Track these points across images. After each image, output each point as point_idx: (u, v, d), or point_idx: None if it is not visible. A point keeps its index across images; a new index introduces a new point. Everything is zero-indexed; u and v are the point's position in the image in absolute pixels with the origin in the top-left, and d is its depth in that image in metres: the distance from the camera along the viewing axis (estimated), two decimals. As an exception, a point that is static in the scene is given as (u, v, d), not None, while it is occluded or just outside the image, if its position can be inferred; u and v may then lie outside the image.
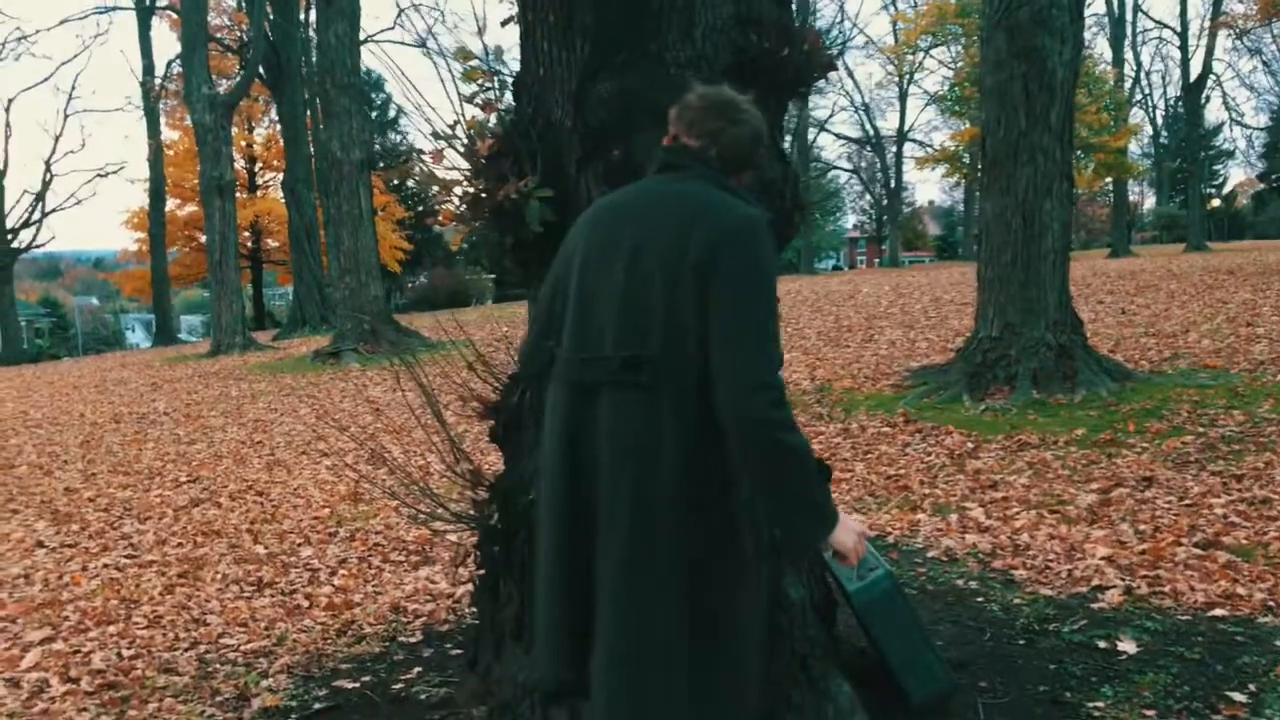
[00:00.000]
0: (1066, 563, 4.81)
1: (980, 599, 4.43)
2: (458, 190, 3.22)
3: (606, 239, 2.31)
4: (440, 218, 3.26)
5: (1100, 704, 3.36)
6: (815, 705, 3.18)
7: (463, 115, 3.20)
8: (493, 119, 3.27)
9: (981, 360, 9.09)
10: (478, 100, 3.31)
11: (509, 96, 3.40)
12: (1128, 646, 3.79)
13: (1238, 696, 3.37)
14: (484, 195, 3.17)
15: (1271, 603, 4.14)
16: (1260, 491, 5.62)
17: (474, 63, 3.36)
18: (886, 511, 5.94)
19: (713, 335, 2.08)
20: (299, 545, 6.21)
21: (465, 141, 3.22)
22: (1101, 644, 3.83)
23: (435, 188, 3.25)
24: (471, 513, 3.37)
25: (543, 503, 2.40)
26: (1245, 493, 5.64)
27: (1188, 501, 5.59)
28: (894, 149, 52.26)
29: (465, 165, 3.27)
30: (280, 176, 37.50)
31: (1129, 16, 42.98)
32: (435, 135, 3.22)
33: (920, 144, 51.75)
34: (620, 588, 2.21)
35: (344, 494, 7.49)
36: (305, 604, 5.05)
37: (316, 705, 3.72)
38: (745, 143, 2.38)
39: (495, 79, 3.41)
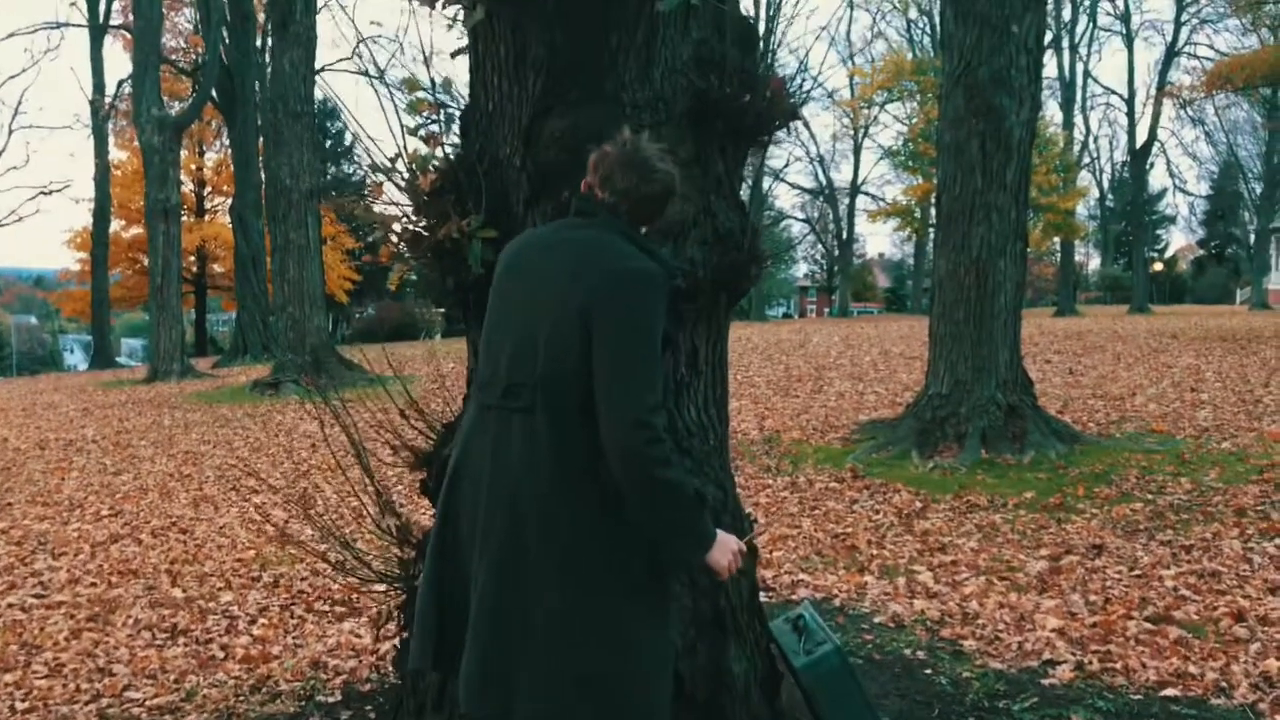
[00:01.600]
0: (1016, 634, 4.67)
1: (928, 671, 4.26)
2: (397, 226, 3.03)
3: (515, 272, 2.48)
4: (380, 255, 3.06)
5: (1053, 792, 3.19)
6: (756, 789, 2.99)
7: (404, 148, 3.02)
8: (437, 153, 3.09)
9: (931, 417, 9.01)
10: (421, 133, 3.12)
11: (457, 131, 3.23)
12: (1080, 728, 3.65)
13: (1193, 787, 3.23)
14: (424, 233, 2.99)
15: (1224, 684, 4.02)
16: (1209, 564, 5.53)
17: (420, 94, 3.19)
18: (833, 572, 5.77)
19: (596, 376, 2.23)
20: (219, 590, 5.90)
21: (406, 176, 3.03)
22: (1054, 725, 3.68)
23: (375, 223, 3.05)
24: (397, 571, 3.15)
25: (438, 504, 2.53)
26: (1194, 564, 5.55)
27: (1137, 572, 5.48)
28: (847, 201, 52.80)
29: (407, 201, 3.08)
30: (229, 202, 36.95)
31: (1079, 82, 43.93)
32: (374, 168, 3.04)
33: (873, 197, 52.32)
34: (490, 595, 2.30)
35: (271, 535, 7.18)
36: (220, 655, 4.77)
37: (221, 772, 3.45)
38: (656, 199, 2.47)
39: (442, 112, 3.24)
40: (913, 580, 5.52)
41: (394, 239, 3.00)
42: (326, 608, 5.41)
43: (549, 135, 2.85)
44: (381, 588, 3.33)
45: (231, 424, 14.17)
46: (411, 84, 3.17)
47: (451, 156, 3.04)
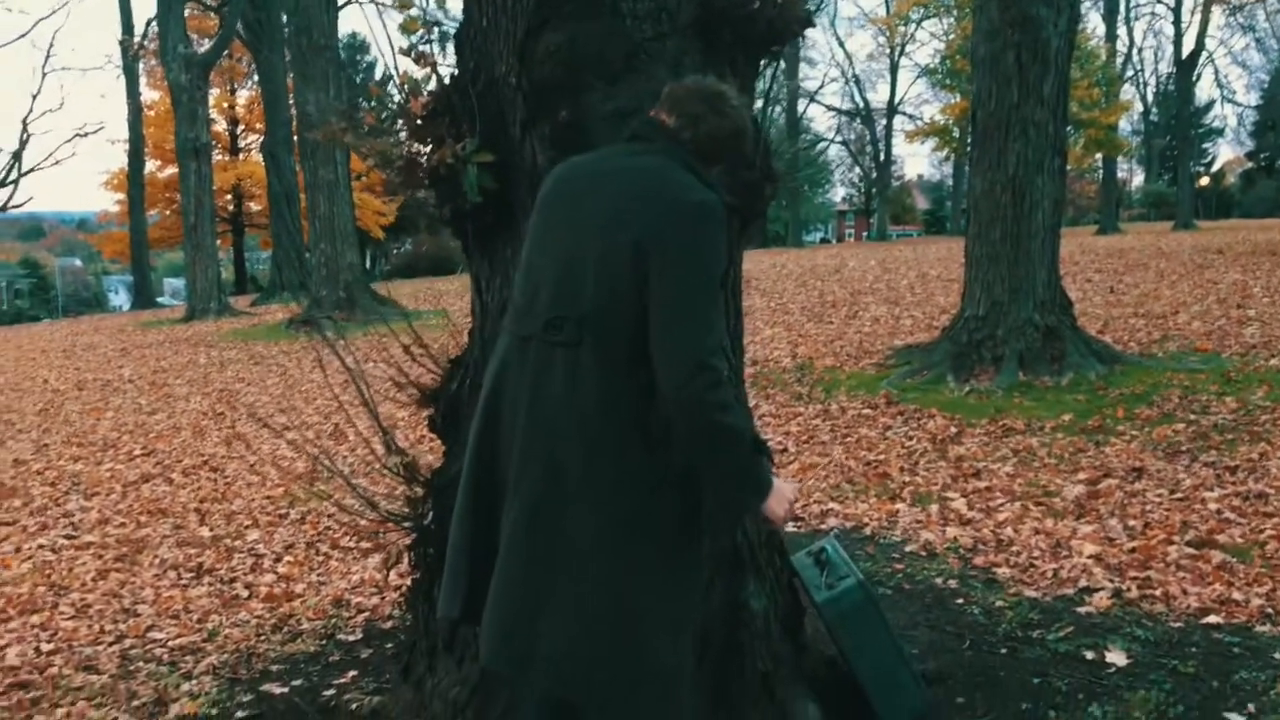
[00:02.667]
0: (1052, 561, 4.54)
1: (960, 601, 4.15)
2: (393, 154, 2.89)
3: (560, 197, 2.32)
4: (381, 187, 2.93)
5: (1088, 725, 3.09)
6: (778, 728, 2.91)
7: (396, 70, 2.87)
8: (430, 75, 2.94)
9: (967, 340, 8.81)
10: (414, 54, 2.97)
11: (452, 52, 3.07)
12: (1117, 658, 3.52)
13: (1235, 718, 3.11)
14: (419, 160, 2.85)
15: (1269, 610, 3.88)
16: (1255, 485, 5.36)
17: (413, 12, 3.02)
18: (864, 500, 5.65)
19: (653, 315, 2.10)
20: (246, 528, 5.90)
21: (399, 99, 2.89)
22: (1089, 654, 3.56)
23: (368, 152, 2.92)
24: (405, 510, 3.07)
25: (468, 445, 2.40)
26: (1239, 486, 5.38)
27: (1179, 495, 5.32)
28: (884, 122, 51.80)
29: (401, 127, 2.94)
30: (262, 139, 36.83)
31: (1123, -9, 42.52)
32: (363, 96, 2.89)
33: (910, 117, 51.30)
34: (520, 541, 2.20)
35: (300, 472, 7.17)
36: (244, 594, 4.75)
37: (239, 714, 3.43)
38: (723, 135, 2.34)
39: (436, 30, 3.08)
40: (946, 507, 5.39)
41: (389, 167, 2.86)
42: (352, 544, 5.39)
43: (545, 50, 2.68)
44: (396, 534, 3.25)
45: (266, 361, 14.22)
46: (404, 2, 3.00)
47: (445, 77, 2.88)
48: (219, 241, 45.22)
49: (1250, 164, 63.80)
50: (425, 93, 2.86)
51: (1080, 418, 7.05)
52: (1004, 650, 3.64)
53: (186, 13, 30.12)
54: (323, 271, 18.15)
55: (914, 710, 3.06)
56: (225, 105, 43.32)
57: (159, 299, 43.68)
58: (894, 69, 50.32)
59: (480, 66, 2.88)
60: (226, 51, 31.47)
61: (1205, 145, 64.29)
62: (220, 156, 43.59)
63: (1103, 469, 5.86)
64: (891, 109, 50.88)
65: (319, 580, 4.86)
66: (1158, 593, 4.10)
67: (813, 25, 3.08)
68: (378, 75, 49.83)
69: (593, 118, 2.68)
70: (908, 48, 49.48)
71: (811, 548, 3.35)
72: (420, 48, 2.86)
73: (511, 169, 2.81)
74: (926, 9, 42.10)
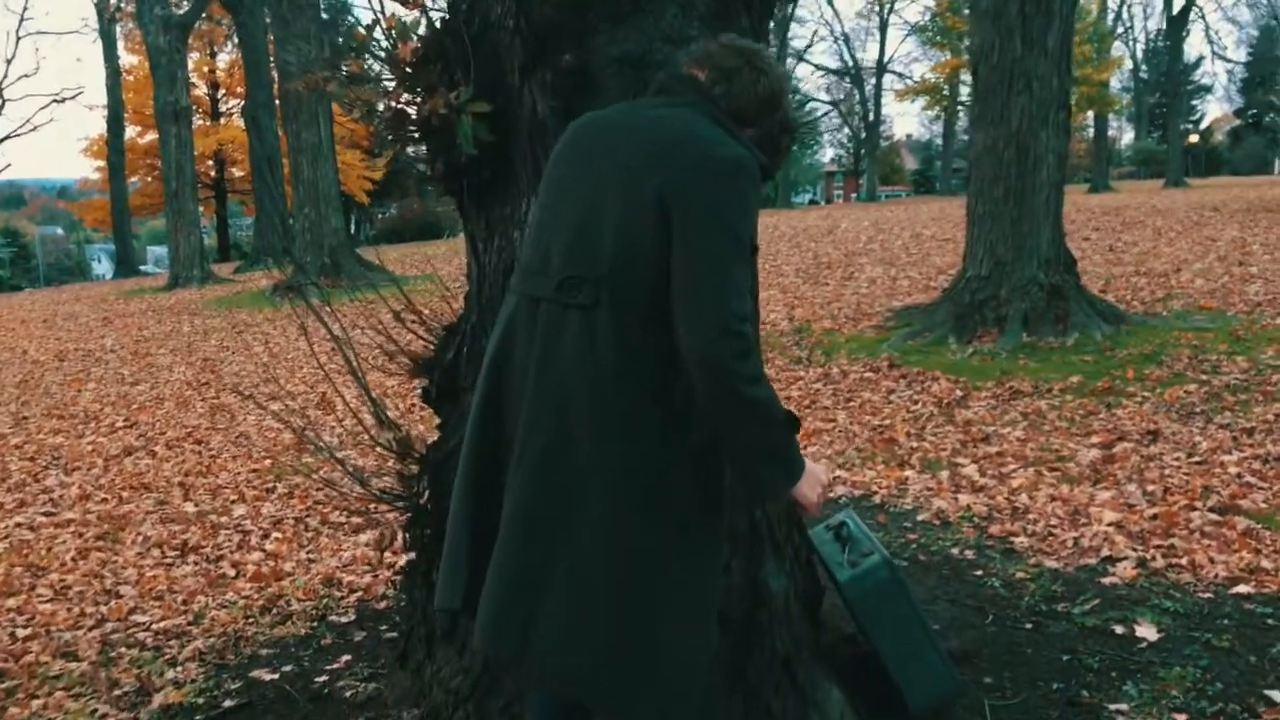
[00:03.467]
0: (1071, 529, 4.38)
1: (979, 572, 3.99)
2: (380, 105, 2.66)
3: (576, 151, 2.12)
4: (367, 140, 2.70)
5: (1123, 706, 2.92)
6: (799, 714, 2.73)
7: (382, 13, 2.63)
8: (419, 18, 2.70)
9: (969, 300, 8.62)
10: (402, -5, 2.73)
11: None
12: (1148, 632, 3.37)
13: (1278, 695, 2.95)
14: (408, 110, 2.62)
15: (1302, 579, 3.72)
16: (1274, 447, 5.20)
17: (399, -50, 2.78)
18: (872, 467, 5.48)
19: (675, 277, 1.91)
20: (232, 503, 5.70)
21: (385, 45, 2.66)
22: (1118, 629, 3.40)
23: (352, 102, 2.69)
24: (398, 490, 2.87)
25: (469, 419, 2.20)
26: (1258, 449, 5.22)
27: (1197, 459, 5.16)
28: (873, 81, 51.32)
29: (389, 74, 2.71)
30: (243, 103, 36.27)
31: (1114, -54, 42.05)
32: (347, 43, 2.66)
33: (900, 76, 50.86)
34: (521, 517, 2.01)
35: (288, 443, 6.97)
36: (231, 573, 4.56)
37: (226, 703, 3.24)
38: (761, 94, 2.14)
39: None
40: (957, 474, 5.22)
41: (377, 118, 2.64)
42: (343, 519, 5.18)
43: (544, -12, 2.45)
44: (384, 508, 3.05)
45: (250, 329, 13.96)
46: (388, -61, 2.76)
47: (436, 21, 2.65)
48: (201, 208, 44.82)
49: (1238, 121, 63.60)
50: (414, 37, 2.62)
51: (1089, 379, 6.88)
52: (1029, 625, 3.48)
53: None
54: (307, 237, 17.85)
55: (941, 691, 2.89)
56: (205, 69, 42.70)
57: (142, 267, 43.22)
58: (883, 27, 49.85)
59: (474, 8, 2.64)
60: (205, 13, 30.85)
61: (1194, 102, 64.01)
62: (201, 122, 42.98)
63: (1116, 432, 5.69)
64: (881, 67, 50.43)
65: (308, 558, 4.67)
66: (1183, 561, 3.95)
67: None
68: (365, 21, 48.99)
69: (598, 62, 2.46)
70: (897, 5, 48.97)
71: (830, 521, 3.16)
72: (409, -11, 2.62)
73: (509, 119, 2.58)
74: (916, -35, 41.58)
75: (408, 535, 2.88)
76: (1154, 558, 3.99)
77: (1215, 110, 76.29)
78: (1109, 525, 4.35)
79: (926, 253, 15.52)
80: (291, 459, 6.49)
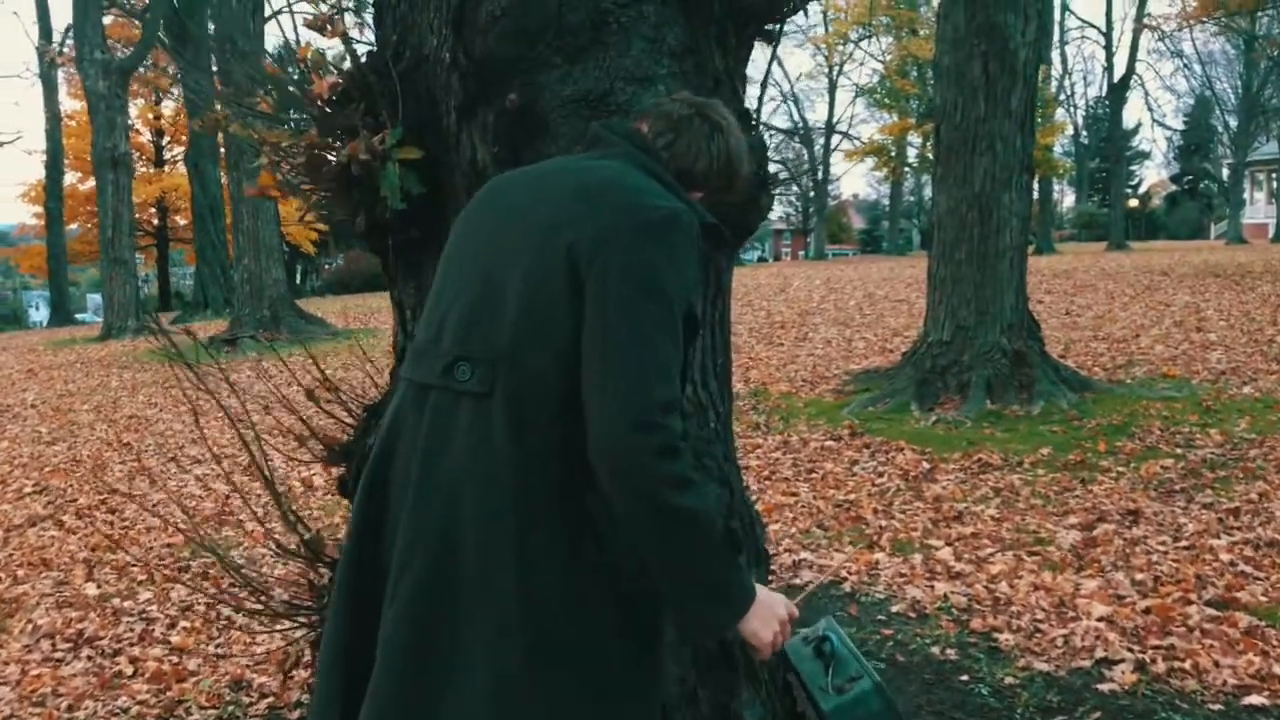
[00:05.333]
0: (1059, 624, 4.01)
1: (964, 677, 3.60)
2: (287, 146, 2.26)
3: (481, 211, 1.78)
4: (258, 186, 2.30)
5: None
6: None
7: (296, 41, 2.25)
8: (343, 52, 2.32)
9: (931, 366, 8.33)
10: (322, 22, 2.35)
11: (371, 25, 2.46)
12: (1160, 754, 3.00)
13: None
14: (326, 156, 2.23)
15: (1317, 687, 3.38)
16: (1265, 532, 4.90)
17: (321, -27, 2.41)
18: (839, 549, 5.10)
19: (586, 353, 1.54)
20: (140, 583, 5.17)
21: (298, 80, 2.27)
22: (1127, 750, 3.03)
23: (256, 145, 2.29)
24: (307, 601, 2.43)
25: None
26: (1248, 532, 4.91)
27: (1184, 543, 4.84)
28: (822, 141, 51.78)
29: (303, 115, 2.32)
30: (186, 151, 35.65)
31: (1056, 15, 42.99)
32: (250, 74, 2.27)
33: (848, 136, 51.37)
34: (394, 658, 1.60)
35: (208, 514, 6.45)
36: (128, 671, 4.05)
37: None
38: (713, 151, 1.80)
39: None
40: (930, 557, 4.85)
41: (284, 165, 2.24)
42: (260, 605, 4.67)
43: (487, 17, 2.08)
44: (286, 625, 2.61)
45: (183, 384, 13.31)
46: (308, -40, 2.38)
47: (361, 54, 2.27)
48: (143, 257, 43.95)
49: (1174, 187, 65.09)
50: (333, 71, 2.24)
51: (1059, 451, 6.58)
52: (1028, 746, 3.10)
53: (109, 20, 29.02)
54: (246, 288, 17.29)
55: (941, 840, 2.48)
56: (150, 116, 42.11)
57: (81, 315, 42.15)
58: (832, 88, 50.36)
59: (405, 39, 2.27)
60: (149, 60, 30.32)
61: (1132, 168, 65.48)
62: (145, 169, 42.31)
63: (1095, 512, 5.37)
64: (830, 128, 50.90)
65: (217, 653, 4.17)
66: (1186, 665, 3.59)
67: (819, -3, 2.51)
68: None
69: (549, 103, 2.09)
70: (845, 67, 49.62)
71: (808, 632, 2.75)
72: (331, 15, 2.24)
73: (444, 169, 2.20)
74: (865, 28, 42.21)
75: (315, 654, 2.43)
76: (1153, 660, 3.63)
77: (1152, 176, 78.06)
78: (1099, 621, 3.99)
79: (880, 314, 15.31)
80: (211, 531, 5.97)
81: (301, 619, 2.46)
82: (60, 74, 37.27)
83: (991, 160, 8.06)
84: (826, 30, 46.93)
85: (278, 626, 2.74)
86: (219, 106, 2.30)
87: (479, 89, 2.11)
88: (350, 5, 2.39)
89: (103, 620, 4.65)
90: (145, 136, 42.75)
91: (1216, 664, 3.59)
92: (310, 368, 2.90)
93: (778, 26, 2.48)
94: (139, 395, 12.66)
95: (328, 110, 2.22)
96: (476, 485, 1.57)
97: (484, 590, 1.56)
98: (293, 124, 2.24)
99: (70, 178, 39.88)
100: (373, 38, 2.38)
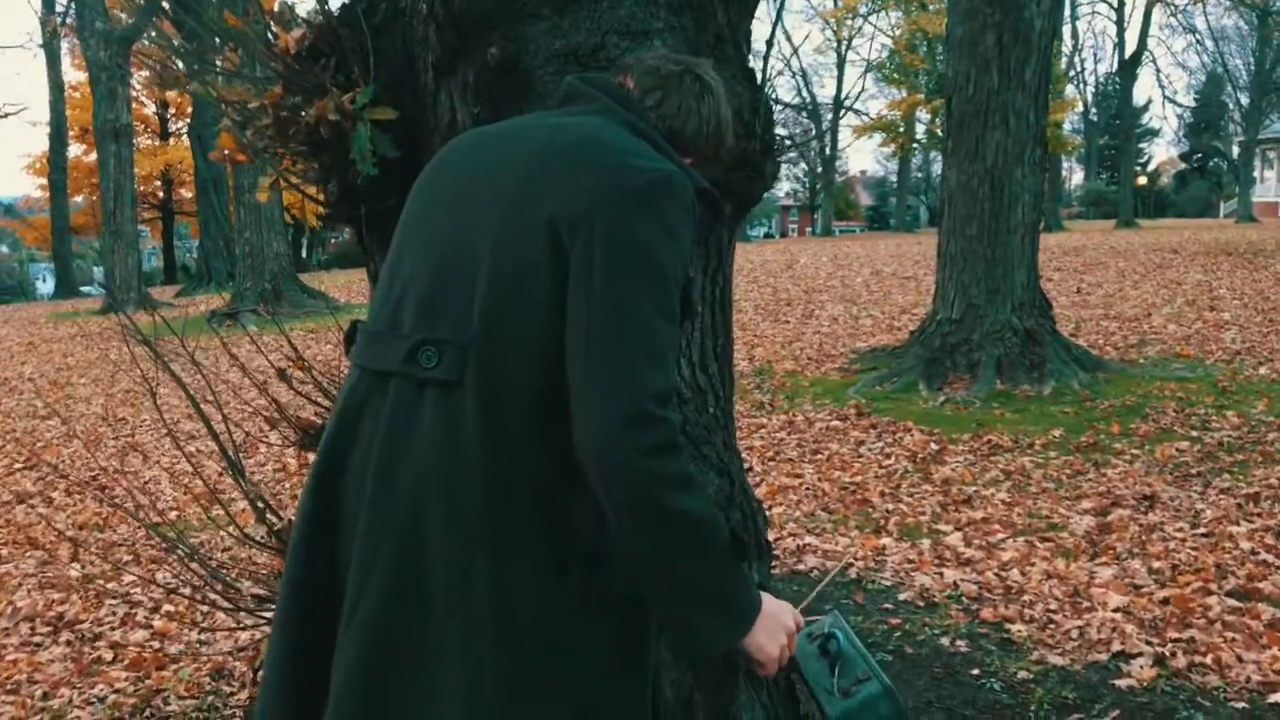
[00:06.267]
0: (1073, 615, 3.85)
1: (975, 670, 3.45)
2: (253, 105, 2.09)
3: (442, 175, 1.57)
4: (220, 150, 2.13)
5: None
6: None
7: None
8: (308, 2, 2.14)
9: (940, 345, 8.16)
10: (292, -27, 2.17)
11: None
12: (1184, 758, 2.84)
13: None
14: (291, 116, 2.05)
15: (1345, 684, 3.22)
16: (1286, 518, 4.74)
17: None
18: (844, 533, 4.94)
19: (571, 334, 1.35)
20: (126, 564, 5.04)
21: (265, 34, 2.09)
22: (1147, 752, 2.87)
23: (219, 105, 2.12)
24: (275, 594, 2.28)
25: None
26: (1268, 519, 4.75)
27: (1202, 530, 4.68)
28: (830, 116, 51.38)
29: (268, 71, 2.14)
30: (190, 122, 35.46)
31: (1068, -11, 42.52)
32: (219, 31, 2.09)
33: (857, 112, 50.95)
34: (354, 690, 1.41)
35: (200, 492, 6.30)
36: (108, 657, 3.91)
37: None
38: (703, 112, 1.61)
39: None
40: (939, 543, 4.70)
41: (249, 126, 2.07)
42: (228, 600, 4.53)
43: (467, -37, 1.90)
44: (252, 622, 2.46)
45: (182, 358, 13.19)
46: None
47: (329, 6, 2.09)
48: (149, 229, 43.83)
49: (1184, 165, 64.62)
50: (300, 24, 2.06)
51: (1072, 433, 6.41)
52: (1043, 746, 2.95)
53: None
54: (247, 262, 17.14)
55: None
56: (155, 87, 41.89)
57: (85, 288, 42.06)
58: (841, 63, 49.92)
59: (380, -9, 2.09)
60: (153, 30, 30.07)
61: (1141, 145, 64.99)
62: (150, 141, 42.15)
63: (1109, 496, 5.21)
64: (838, 103, 50.49)
65: (201, 638, 4.03)
66: (1208, 660, 3.43)
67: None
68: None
69: (534, 58, 1.92)
70: (854, 42, 49.17)
71: (813, 628, 2.60)
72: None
73: (421, 130, 2.03)
74: (874, 2, 41.78)
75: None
76: (1173, 654, 3.47)
77: (1161, 153, 77.60)
78: (1116, 611, 3.84)
79: (888, 291, 15.13)
80: (199, 511, 5.83)
81: (270, 614, 2.31)
82: (64, 45, 37.03)
83: (1004, 134, 7.86)
84: (836, 4, 46.48)
85: (247, 623, 2.59)
86: (179, 64, 2.13)
87: (458, 43, 1.94)
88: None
89: (85, 602, 4.52)
90: (150, 109, 42.57)
91: (1239, 659, 3.43)
92: (303, 342, 2.75)
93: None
94: (137, 370, 12.53)
95: (295, 66, 2.04)
96: (444, 488, 1.39)
97: (454, 611, 1.38)
98: (256, 82, 2.06)
99: (75, 150, 39.72)
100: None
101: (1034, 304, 8.08)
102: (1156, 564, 4.29)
